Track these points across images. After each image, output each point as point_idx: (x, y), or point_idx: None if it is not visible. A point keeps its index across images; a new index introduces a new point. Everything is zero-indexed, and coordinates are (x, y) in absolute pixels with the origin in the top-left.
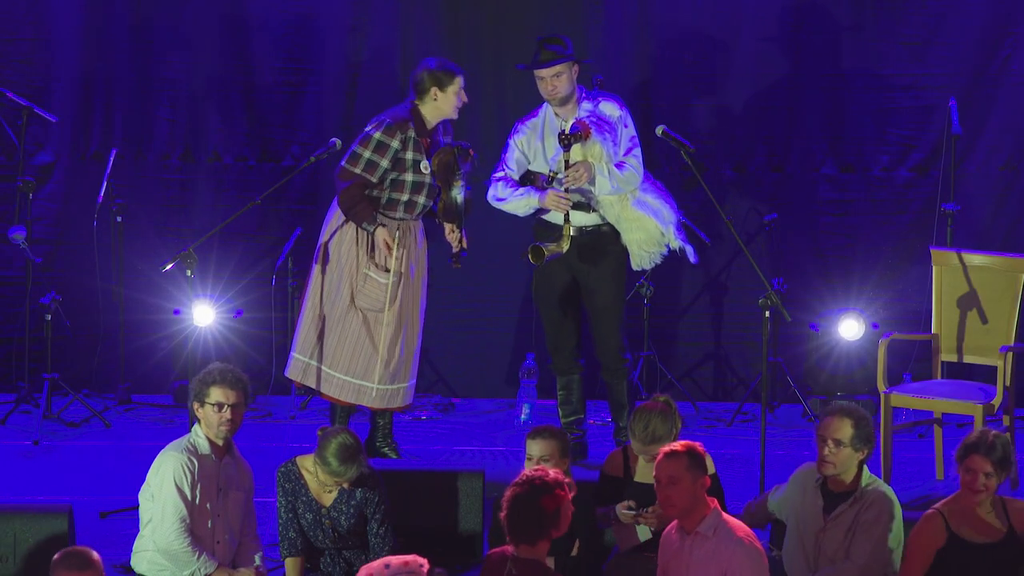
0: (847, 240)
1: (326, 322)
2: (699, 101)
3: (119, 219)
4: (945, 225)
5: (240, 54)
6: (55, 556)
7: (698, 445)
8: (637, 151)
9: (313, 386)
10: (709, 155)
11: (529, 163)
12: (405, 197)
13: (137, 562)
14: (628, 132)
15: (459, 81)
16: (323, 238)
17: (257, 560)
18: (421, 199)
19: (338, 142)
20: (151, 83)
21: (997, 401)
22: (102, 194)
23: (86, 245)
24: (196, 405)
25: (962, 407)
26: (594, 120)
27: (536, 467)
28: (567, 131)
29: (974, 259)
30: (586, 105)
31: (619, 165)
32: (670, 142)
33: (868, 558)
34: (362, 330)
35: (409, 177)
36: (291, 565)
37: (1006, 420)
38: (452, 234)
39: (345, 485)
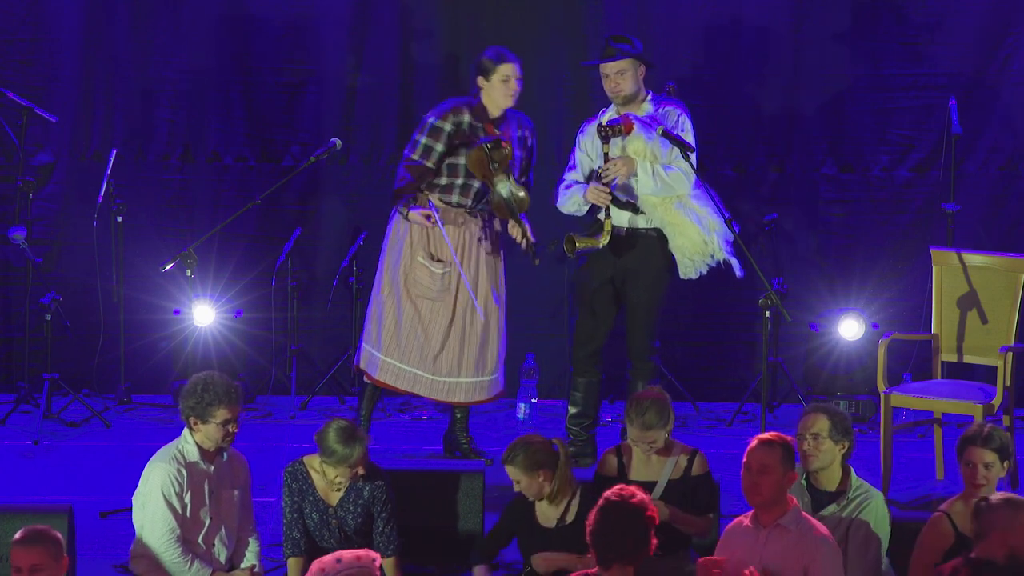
0: (847, 240)
1: (384, 310)
2: (699, 101)
3: (119, 219)
4: (945, 225)
5: (240, 54)
6: (15, 536)
7: (789, 438)
8: (691, 156)
9: (372, 373)
10: (709, 155)
11: (593, 162)
12: (460, 180)
13: (135, 565)
14: (684, 137)
15: (504, 69)
16: (389, 229)
17: (252, 558)
18: (476, 182)
19: (338, 142)
20: (151, 83)
21: (997, 401)
22: (102, 194)
23: (86, 245)
24: (195, 421)
25: (962, 407)
26: (647, 120)
27: (622, 487)
28: (605, 123)
29: (974, 259)
30: (648, 107)
31: (669, 167)
32: (670, 142)
33: None
34: (415, 319)
35: (462, 160)
36: (293, 565)
37: (1006, 420)
38: (514, 229)
39: (360, 471)
